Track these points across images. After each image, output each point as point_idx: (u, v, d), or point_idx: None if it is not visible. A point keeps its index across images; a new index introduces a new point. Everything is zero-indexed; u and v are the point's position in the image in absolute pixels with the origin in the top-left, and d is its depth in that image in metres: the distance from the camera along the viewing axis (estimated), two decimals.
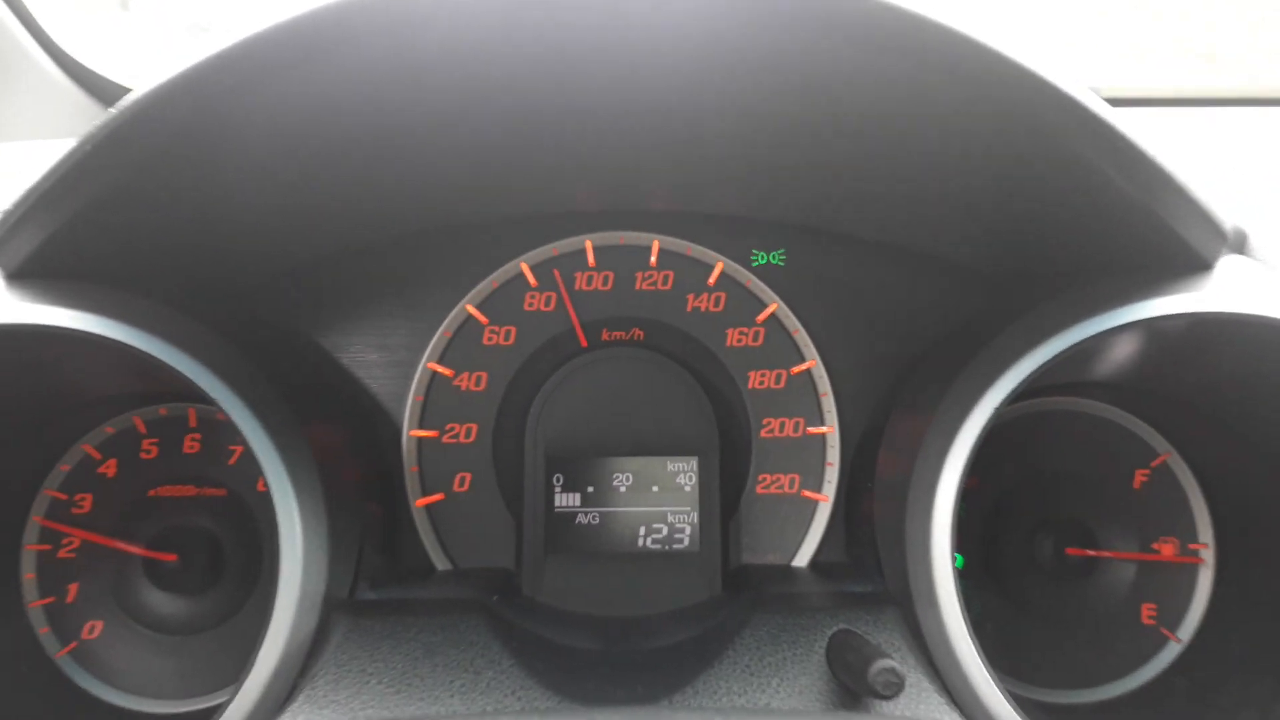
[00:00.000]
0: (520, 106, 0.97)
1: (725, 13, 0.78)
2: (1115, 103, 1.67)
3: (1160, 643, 1.18)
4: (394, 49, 0.82)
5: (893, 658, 0.86)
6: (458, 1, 0.77)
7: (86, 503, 1.17)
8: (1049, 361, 0.91)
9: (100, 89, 1.75)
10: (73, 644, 1.14)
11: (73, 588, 1.15)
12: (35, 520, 1.16)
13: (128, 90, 1.74)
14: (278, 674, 0.89)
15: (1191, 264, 0.92)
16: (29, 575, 1.15)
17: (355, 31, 0.78)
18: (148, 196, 0.92)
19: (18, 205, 0.88)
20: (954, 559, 0.92)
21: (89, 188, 0.86)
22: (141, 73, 1.79)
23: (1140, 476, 1.22)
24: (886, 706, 0.90)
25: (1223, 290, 0.89)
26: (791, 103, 0.94)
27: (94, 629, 1.15)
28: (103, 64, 1.74)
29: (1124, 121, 0.82)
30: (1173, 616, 1.18)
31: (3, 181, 1.38)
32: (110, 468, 1.18)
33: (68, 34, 1.75)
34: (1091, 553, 1.19)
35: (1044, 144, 0.86)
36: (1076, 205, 0.94)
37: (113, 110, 0.82)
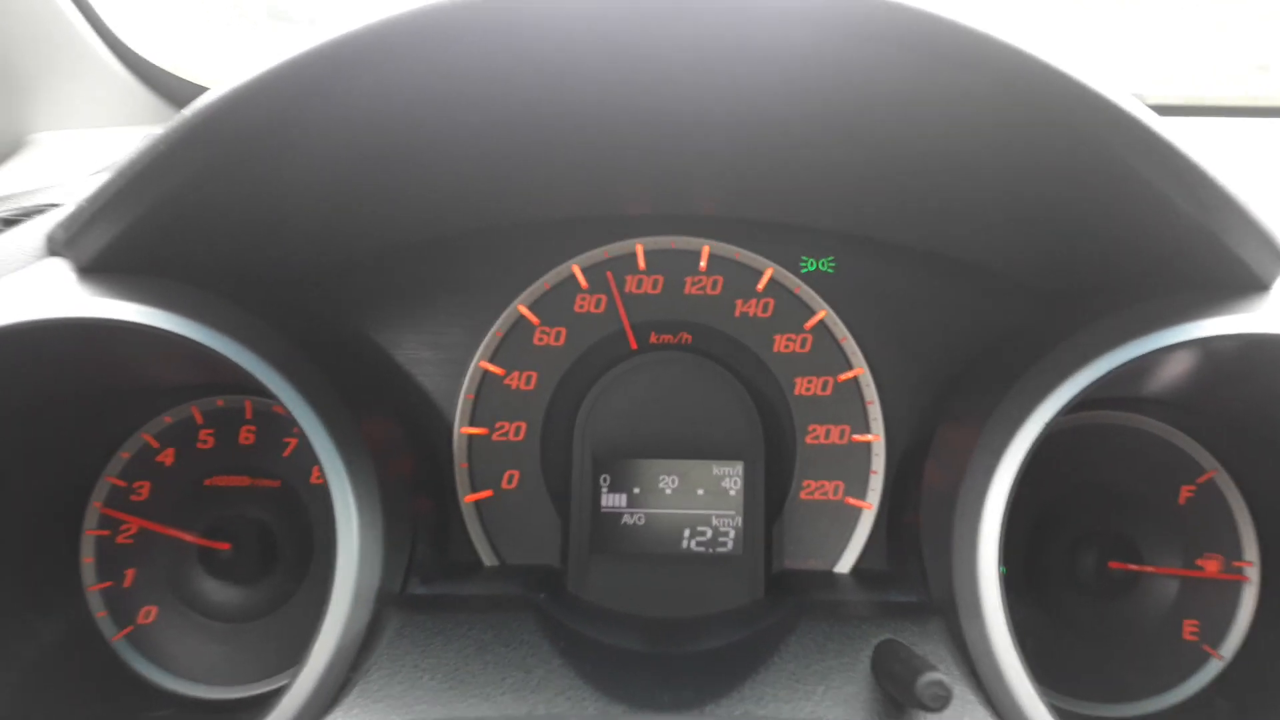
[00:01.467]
0: (578, 111, 0.98)
1: (786, 22, 0.79)
2: (1171, 110, 1.67)
3: (1202, 660, 1.17)
4: (461, 54, 0.83)
5: (939, 670, 0.86)
6: (528, 10, 0.79)
7: (145, 490, 1.20)
8: (1102, 377, 0.91)
9: (158, 81, 1.78)
10: (129, 628, 1.17)
11: (130, 573, 1.18)
12: (95, 506, 1.19)
13: (186, 83, 1.78)
14: (332, 667, 0.91)
15: (1248, 284, 0.92)
16: (88, 560, 1.18)
17: (425, 37, 0.80)
18: (217, 195, 0.94)
19: (91, 201, 0.90)
20: (999, 571, 0.93)
21: (162, 186, 0.88)
22: (210, 65, 1.82)
23: (1186, 492, 1.21)
24: (932, 719, 0.91)
25: (1277, 311, 0.89)
26: (845, 112, 0.94)
27: (149, 614, 1.18)
28: (169, 55, 1.77)
29: (1182, 139, 0.81)
30: (1215, 634, 1.18)
31: (64, 166, 1.42)
32: (168, 456, 1.21)
33: (143, 22, 1.78)
34: (1134, 568, 1.19)
35: (1100, 160, 0.86)
36: (1132, 222, 0.94)
37: (190, 109, 0.84)
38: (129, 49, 1.75)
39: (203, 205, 0.94)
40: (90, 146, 1.61)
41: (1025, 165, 0.95)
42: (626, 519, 1.21)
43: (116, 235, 0.92)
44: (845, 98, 0.91)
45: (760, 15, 0.79)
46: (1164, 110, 1.66)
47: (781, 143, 1.06)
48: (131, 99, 1.76)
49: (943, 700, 0.83)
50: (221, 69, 1.82)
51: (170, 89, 1.78)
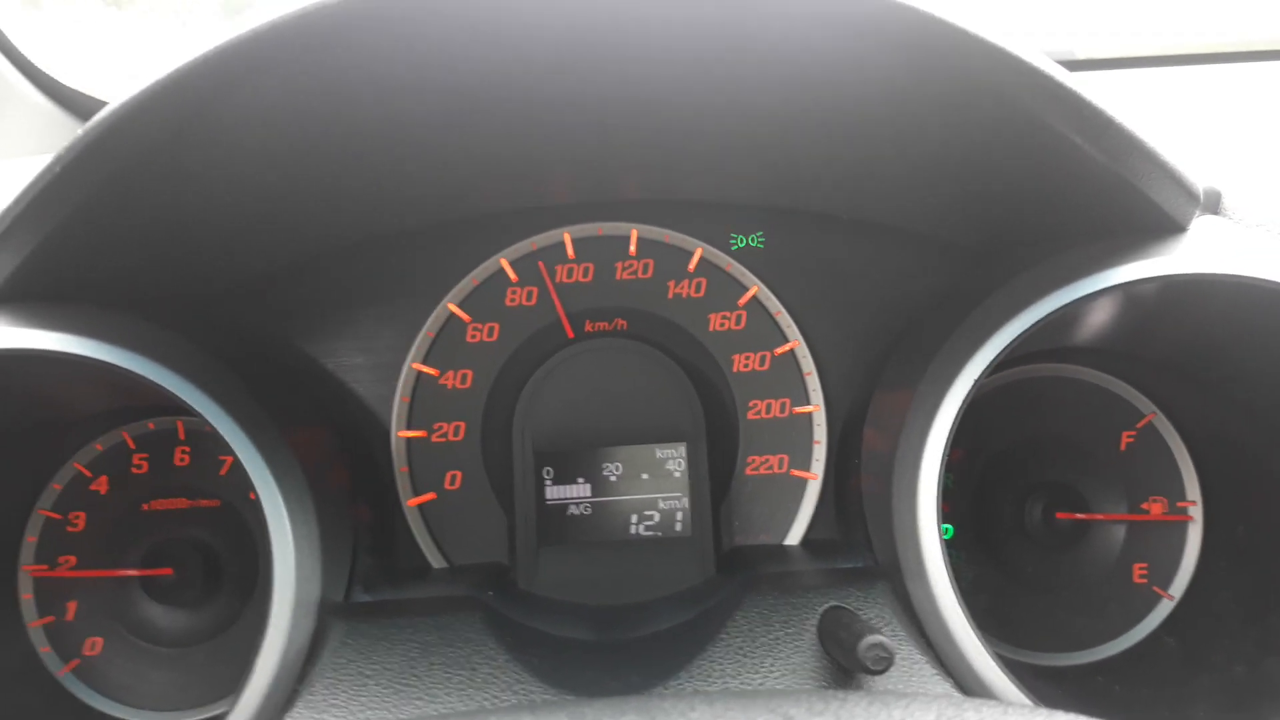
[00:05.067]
0: (494, 104, 0.97)
1: (700, 2, 0.78)
2: (1093, 65, 1.68)
3: (1152, 601, 1.19)
4: (367, 53, 0.82)
5: (882, 633, 0.86)
6: (435, 5, 0.77)
7: (80, 521, 1.18)
8: (1025, 332, 0.92)
9: (79, 106, 1.75)
10: (74, 661, 1.15)
11: (71, 605, 1.16)
12: (30, 541, 1.16)
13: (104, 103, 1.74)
14: (276, 681, 0.90)
15: (1164, 227, 0.93)
16: (26, 595, 1.15)
17: (327, 37, 0.78)
18: (123, 212, 0.92)
19: None
20: (942, 530, 0.93)
21: (61, 209, 0.86)
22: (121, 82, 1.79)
23: (1126, 438, 1.22)
24: (878, 682, 0.91)
25: (1195, 252, 0.89)
26: (762, 87, 0.94)
27: (95, 645, 1.16)
28: (84, 77, 1.74)
29: (1088, 88, 0.82)
30: (1164, 575, 1.20)
31: None
32: (102, 484, 1.19)
33: (53, 44, 1.74)
34: (1081, 516, 1.20)
35: (1010, 114, 0.86)
36: (1047, 174, 0.94)
37: (82, 129, 0.82)
38: (51, 79, 1.71)
39: (109, 224, 0.93)
40: (12, 177, 1.57)
41: (941, 126, 0.95)
42: (573, 510, 1.20)
43: (21, 262, 0.90)
44: (762, 73, 0.91)
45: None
46: (1093, 65, 1.68)
47: (702, 122, 1.05)
48: (53, 126, 1.72)
49: (885, 662, 0.84)
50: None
51: (91, 111, 1.75)
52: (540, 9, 0.80)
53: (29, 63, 1.70)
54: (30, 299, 0.93)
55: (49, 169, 0.84)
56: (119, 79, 1.81)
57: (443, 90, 0.93)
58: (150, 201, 0.94)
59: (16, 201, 0.86)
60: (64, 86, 1.73)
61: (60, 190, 0.85)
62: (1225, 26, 1.84)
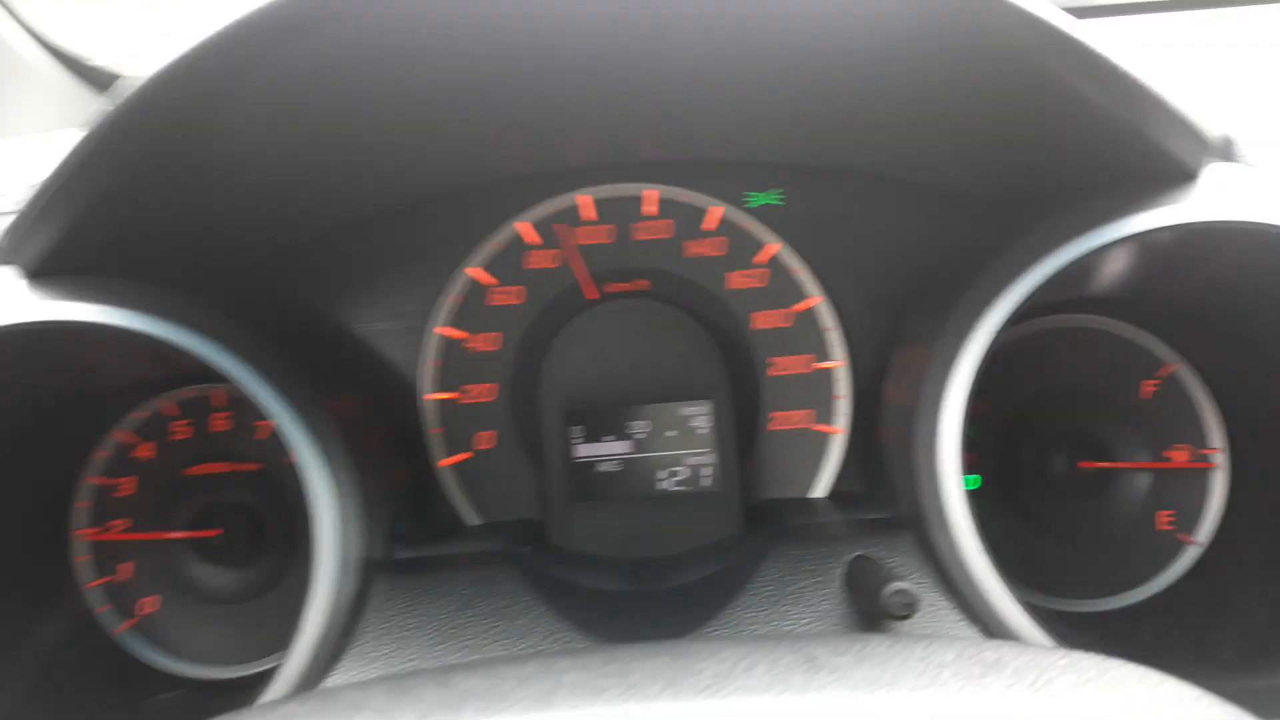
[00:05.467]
0: (513, 66, 0.98)
1: None
2: (1107, 11, 1.66)
3: (1177, 549, 1.21)
4: (393, 22, 0.83)
5: (907, 580, 0.89)
6: None
7: (127, 486, 1.22)
8: (1040, 286, 0.93)
9: (97, 79, 1.77)
10: (132, 619, 1.20)
11: (124, 567, 1.21)
12: (79, 507, 1.21)
13: (121, 76, 1.75)
14: (324, 637, 0.94)
15: (1177, 174, 0.93)
16: (81, 558, 1.20)
17: (356, 6, 0.80)
18: (154, 184, 0.94)
19: (31, 206, 0.90)
20: (962, 480, 0.95)
21: (97, 181, 0.88)
22: (139, 53, 1.80)
23: (1149, 386, 1.23)
24: (903, 627, 0.94)
25: (1209, 199, 0.90)
26: (780, 44, 0.94)
27: (150, 604, 1.21)
28: (100, 49, 1.75)
29: (1096, 37, 0.82)
30: (1189, 522, 1.21)
31: (9, 173, 1.41)
32: (146, 451, 1.23)
33: (81, 23, 1.76)
34: (1104, 465, 1.21)
35: (1019, 65, 0.87)
36: (1058, 123, 0.95)
37: (114, 101, 0.84)
38: (66, 52, 1.72)
39: (142, 197, 0.95)
40: (38, 152, 1.59)
41: (953, 77, 0.95)
42: (602, 466, 1.23)
43: (59, 237, 0.92)
44: (778, 30, 0.92)
45: None
46: (1107, 11, 1.66)
47: (719, 80, 1.06)
48: (74, 101, 1.74)
49: (909, 608, 0.86)
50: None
51: (109, 85, 1.76)
52: None
53: (47, 38, 1.71)
54: (68, 273, 0.95)
55: (84, 143, 0.85)
56: (130, 48, 1.82)
57: (463, 56, 0.94)
58: (178, 174, 0.96)
59: (53, 177, 0.87)
60: (78, 59, 1.74)
61: (97, 163, 0.86)
62: None
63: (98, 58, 1.74)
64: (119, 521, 1.21)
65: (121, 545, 1.21)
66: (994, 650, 0.62)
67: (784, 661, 0.58)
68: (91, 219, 0.91)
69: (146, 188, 0.93)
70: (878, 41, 0.90)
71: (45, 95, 1.70)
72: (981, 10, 0.80)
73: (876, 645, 0.62)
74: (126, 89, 0.83)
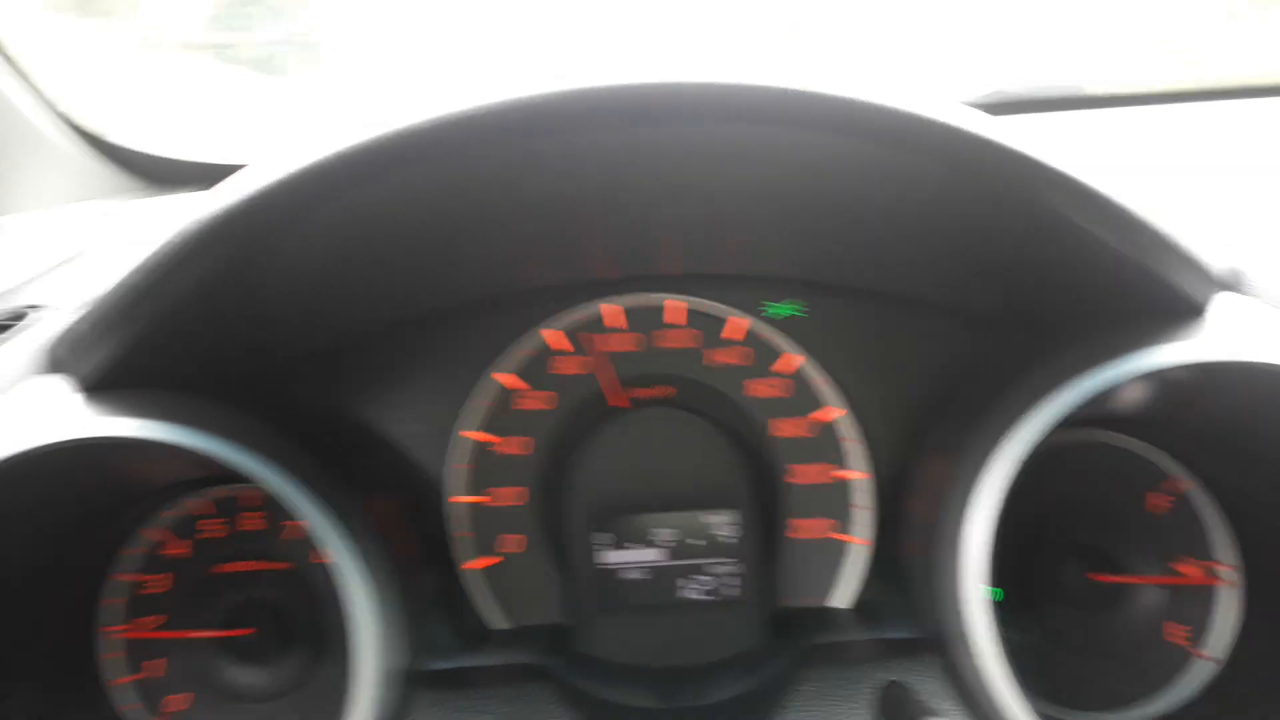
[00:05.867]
0: (542, 191, 1.04)
1: (744, 115, 0.85)
2: (1103, 103, 1.72)
3: (1192, 663, 1.21)
4: (458, 157, 0.89)
5: (939, 713, 0.90)
6: (522, 117, 0.84)
7: (157, 584, 1.23)
8: (1065, 413, 0.96)
9: (113, 153, 1.80)
10: (159, 718, 1.20)
11: (152, 664, 1.21)
12: (107, 604, 1.22)
13: (140, 155, 1.79)
14: None
15: (1184, 309, 0.98)
16: (109, 655, 1.21)
17: (424, 148, 0.85)
18: (215, 304, 0.98)
19: (96, 318, 0.92)
20: (990, 595, 0.96)
21: (166, 300, 0.91)
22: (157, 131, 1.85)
23: (1161, 501, 1.26)
24: None
25: (1213, 335, 0.95)
26: (805, 184, 1.00)
27: (179, 702, 1.21)
28: (116, 125, 1.79)
29: (1107, 184, 0.88)
30: (1203, 637, 1.22)
31: (28, 251, 1.43)
32: (177, 548, 1.24)
33: (91, 96, 1.80)
34: (1116, 578, 1.23)
35: (1039, 215, 0.92)
36: (1077, 264, 1.00)
37: (192, 218, 0.86)
38: (79, 124, 1.77)
39: (204, 316, 0.98)
40: (52, 226, 1.60)
41: (975, 224, 1.01)
42: (628, 574, 1.25)
43: (122, 353, 0.95)
44: (804, 174, 0.98)
45: (726, 109, 0.85)
46: (1102, 102, 1.72)
47: (741, 205, 1.12)
48: (88, 173, 1.77)
49: None
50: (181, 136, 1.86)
51: (127, 160, 1.81)
52: (618, 120, 0.86)
53: (60, 110, 1.74)
54: (120, 386, 0.97)
55: (157, 259, 0.87)
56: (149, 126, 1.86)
57: (499, 186, 1.00)
58: (239, 292, 1.00)
59: (125, 289, 0.89)
60: (96, 134, 1.78)
61: (168, 282, 0.89)
62: (1238, 61, 1.89)
63: (114, 133, 1.79)
64: (149, 619, 1.22)
65: (149, 643, 1.22)
66: None
67: None
68: (155, 334, 0.94)
69: (209, 307, 0.97)
70: (899, 188, 0.96)
71: (63, 170, 1.74)
72: (997, 163, 0.86)
73: None
74: (208, 206, 0.86)
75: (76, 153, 1.77)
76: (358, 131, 0.84)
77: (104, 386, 0.97)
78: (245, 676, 1.22)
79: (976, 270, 1.17)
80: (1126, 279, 0.96)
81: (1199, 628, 1.23)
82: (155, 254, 0.88)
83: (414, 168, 0.86)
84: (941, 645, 1.02)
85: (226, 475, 1.15)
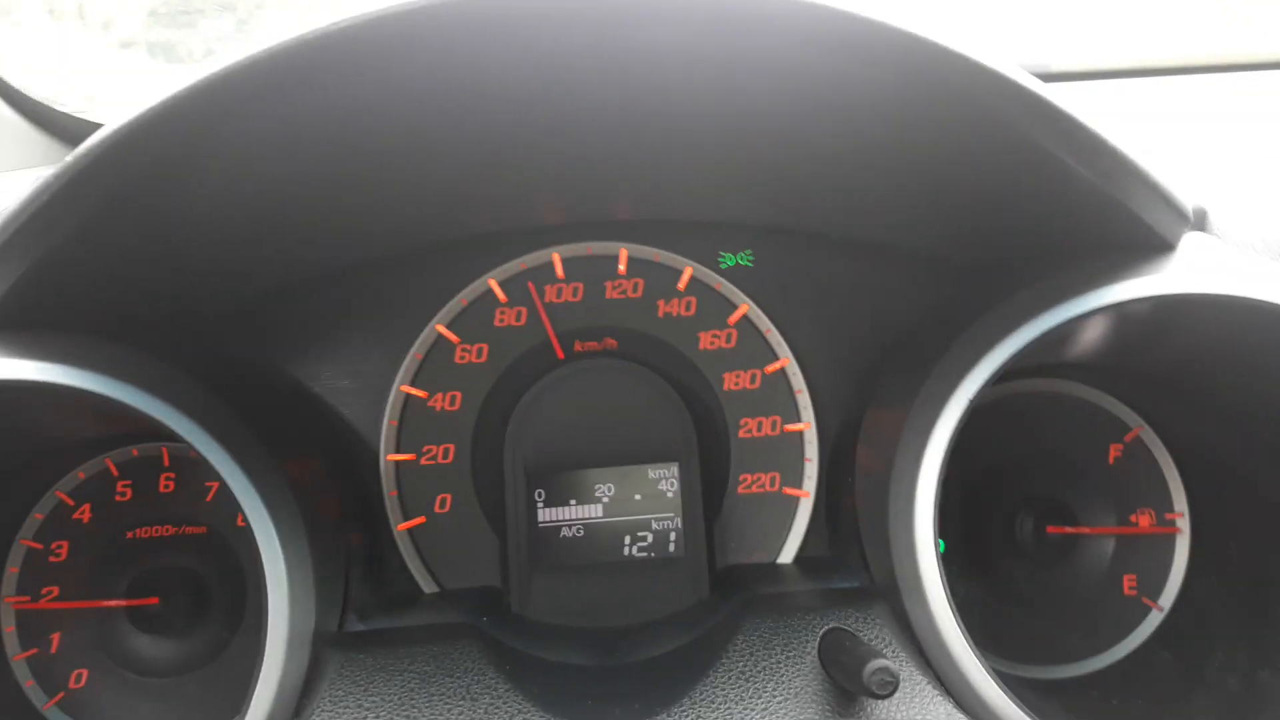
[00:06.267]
0: (484, 127, 0.97)
1: (692, 23, 0.78)
2: (1069, 78, 1.69)
3: (1143, 613, 1.20)
4: (358, 81, 0.81)
5: (885, 656, 0.86)
6: (430, 30, 0.77)
7: (63, 550, 1.16)
8: (1020, 351, 0.92)
9: (48, 121, 1.72)
10: (59, 695, 1.13)
11: (55, 638, 1.14)
12: (11, 572, 1.14)
13: (82, 123, 1.71)
14: (272, 715, 0.88)
15: (1155, 245, 0.94)
16: (9, 629, 1.13)
17: (323, 64, 0.78)
18: (111, 239, 0.90)
19: None
20: (938, 546, 0.93)
21: (50, 237, 0.84)
22: (100, 102, 1.76)
23: (1115, 451, 1.23)
24: (881, 705, 0.91)
25: (1185, 270, 0.90)
26: (755, 108, 0.94)
27: (80, 677, 1.14)
28: (63, 95, 1.71)
29: (1080, 108, 0.82)
30: (1153, 586, 1.21)
31: None
32: (85, 513, 1.17)
33: (25, 60, 1.71)
34: (1071, 530, 1.21)
35: (1003, 136, 0.87)
36: (1039, 194, 0.95)
37: (73, 154, 0.80)
38: (12, 88, 1.68)
39: (98, 252, 0.91)
40: None
41: (932, 145, 0.95)
42: (565, 531, 1.19)
43: (7, 291, 0.88)
44: (754, 94, 0.91)
45: (667, 17, 0.78)
46: (1083, 77, 1.69)
47: (691, 143, 1.05)
48: (20, 141, 1.69)
49: (890, 686, 0.83)
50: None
51: (63, 129, 1.72)
52: (533, 33, 0.79)
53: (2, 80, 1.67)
54: (12, 328, 0.91)
55: (37, 196, 0.82)
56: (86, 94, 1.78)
57: (434, 115, 0.92)
58: (139, 229, 0.92)
59: (3, 228, 0.84)
60: (37, 104, 1.70)
61: (49, 218, 0.83)
62: (1202, 39, 1.86)
63: (61, 103, 1.69)
64: (51, 588, 1.14)
65: (52, 614, 1.14)
66: None
67: None
68: (41, 274, 0.87)
69: (102, 242, 0.89)
70: (858, 107, 0.90)
71: (3, 140, 1.64)
72: (967, 81, 0.80)
73: None
74: (90, 140, 0.80)
75: (10, 118, 1.67)
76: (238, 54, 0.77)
77: None
78: (152, 650, 1.15)
79: (937, 208, 1.12)
80: (1095, 213, 0.92)
81: (1150, 577, 1.21)
82: (39, 188, 0.82)
83: (302, 89, 0.79)
84: (890, 595, 0.98)
85: (144, 433, 1.08)
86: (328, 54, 0.77)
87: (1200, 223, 1.02)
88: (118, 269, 0.97)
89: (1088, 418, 1.24)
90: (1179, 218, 0.91)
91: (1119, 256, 0.93)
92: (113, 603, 1.13)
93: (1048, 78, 0.85)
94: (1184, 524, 1.21)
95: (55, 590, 1.14)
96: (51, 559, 1.15)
